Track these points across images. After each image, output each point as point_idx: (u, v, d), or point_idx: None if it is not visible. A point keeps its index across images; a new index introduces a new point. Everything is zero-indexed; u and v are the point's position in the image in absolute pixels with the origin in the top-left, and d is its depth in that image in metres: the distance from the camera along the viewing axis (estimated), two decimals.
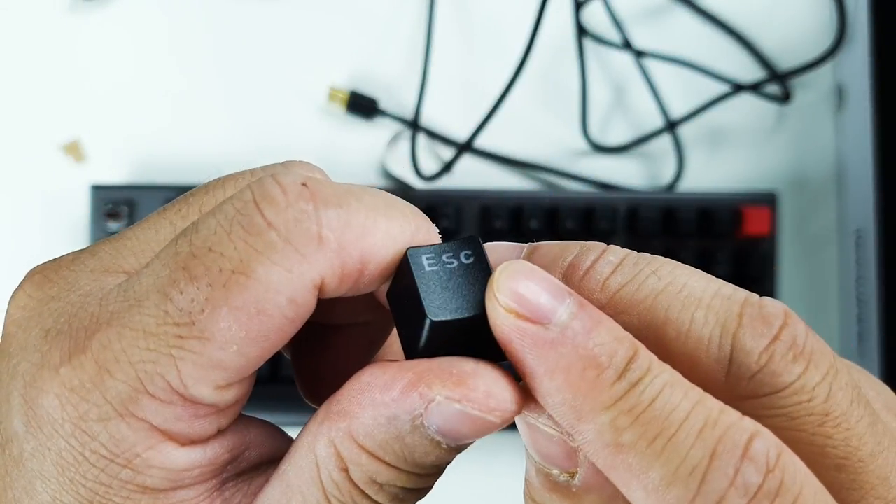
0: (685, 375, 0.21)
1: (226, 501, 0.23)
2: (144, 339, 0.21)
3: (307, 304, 0.21)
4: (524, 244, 0.24)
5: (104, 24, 0.66)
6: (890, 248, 0.60)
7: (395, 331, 0.25)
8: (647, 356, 0.21)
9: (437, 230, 0.24)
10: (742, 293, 0.22)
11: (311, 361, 0.28)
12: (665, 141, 0.67)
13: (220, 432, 0.23)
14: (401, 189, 0.63)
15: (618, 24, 0.66)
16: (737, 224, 0.61)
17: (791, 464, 0.20)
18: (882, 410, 0.23)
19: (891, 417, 0.23)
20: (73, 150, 0.65)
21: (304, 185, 0.21)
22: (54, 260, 0.24)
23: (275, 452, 0.24)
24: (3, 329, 0.23)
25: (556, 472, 0.23)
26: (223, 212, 0.21)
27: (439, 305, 0.22)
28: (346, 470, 0.22)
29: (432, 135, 0.66)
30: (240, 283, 0.20)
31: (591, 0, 0.66)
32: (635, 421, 0.20)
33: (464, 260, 0.23)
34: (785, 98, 0.66)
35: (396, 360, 0.23)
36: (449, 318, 0.22)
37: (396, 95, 0.66)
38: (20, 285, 0.24)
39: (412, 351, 0.23)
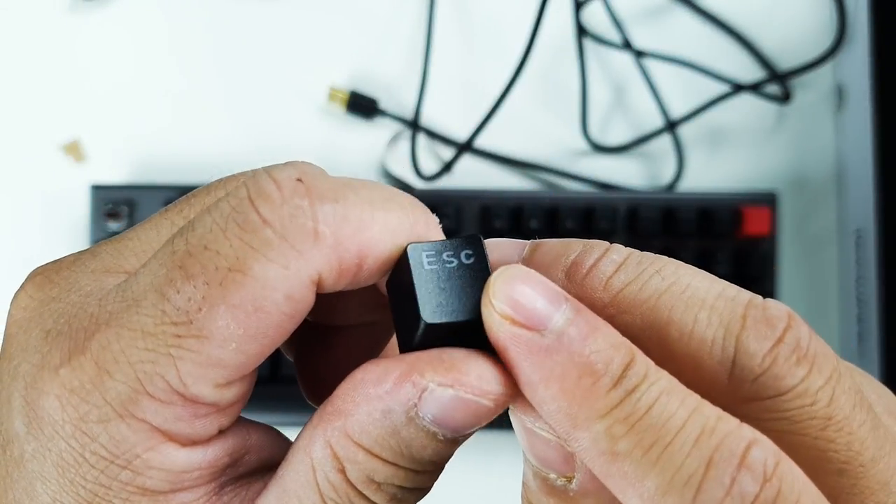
0: (687, 377, 0.21)
1: None
2: (143, 340, 0.21)
3: (305, 300, 0.21)
4: (527, 241, 0.24)
5: (104, 24, 0.66)
6: (890, 248, 0.60)
7: None
8: (643, 362, 0.21)
9: (438, 220, 0.24)
10: (746, 295, 0.22)
11: (314, 363, 0.27)
12: (665, 141, 0.67)
13: (221, 434, 0.23)
14: (401, 188, 0.63)
15: (618, 24, 0.66)
16: (737, 224, 0.61)
17: (789, 472, 0.19)
18: (883, 414, 0.23)
19: (892, 421, 0.23)
20: (73, 150, 0.65)
21: (299, 180, 0.21)
22: (55, 261, 0.24)
23: (275, 457, 0.24)
24: (5, 330, 0.23)
25: (553, 476, 0.23)
26: (219, 209, 0.21)
27: (435, 307, 0.22)
28: (342, 470, 0.22)
29: (432, 135, 0.66)
30: (236, 281, 0.20)
31: (591, 0, 0.66)
32: (631, 429, 0.20)
33: (464, 260, 0.23)
34: (785, 98, 0.66)
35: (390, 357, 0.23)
36: (444, 320, 0.22)
37: (396, 95, 0.66)
38: (21, 286, 0.24)
39: (406, 346, 0.23)
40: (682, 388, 0.20)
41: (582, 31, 0.66)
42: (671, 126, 0.66)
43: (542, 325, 0.21)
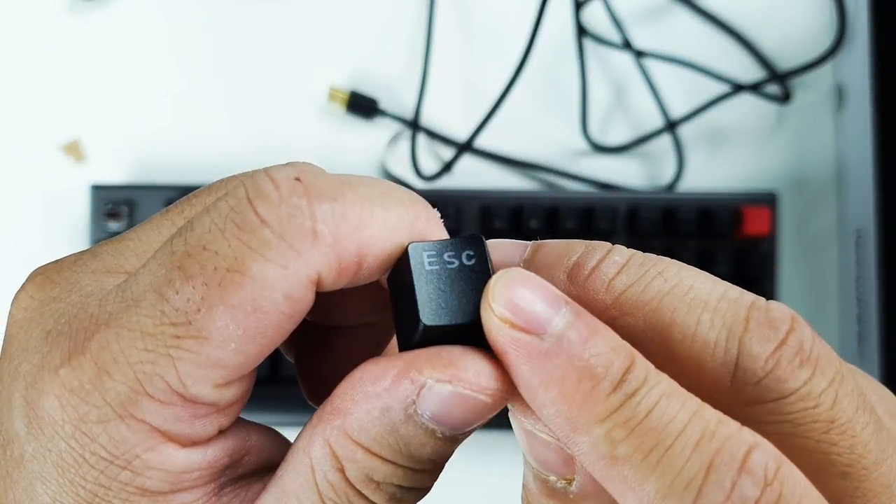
0: (690, 379, 0.21)
1: None
2: (142, 340, 0.21)
3: (304, 300, 0.21)
4: (528, 242, 0.24)
5: (104, 24, 0.66)
6: (890, 248, 0.60)
7: None
8: (644, 366, 0.20)
9: (439, 215, 0.24)
10: (749, 296, 0.22)
11: (315, 364, 0.27)
12: (665, 141, 0.67)
13: (221, 435, 0.23)
14: None
15: (618, 24, 0.66)
16: (737, 224, 0.61)
17: (790, 476, 0.19)
18: (885, 416, 0.23)
19: (893, 423, 0.23)
20: (73, 150, 0.65)
21: (297, 179, 0.21)
22: (56, 261, 0.24)
23: (275, 459, 0.24)
24: (6, 330, 0.23)
25: (553, 478, 0.23)
26: (217, 210, 0.21)
27: (435, 309, 0.22)
28: (341, 469, 0.22)
29: (432, 135, 0.66)
30: (235, 282, 0.20)
31: (591, 0, 0.66)
32: (631, 433, 0.20)
33: (465, 261, 0.22)
34: (785, 98, 0.66)
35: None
36: (443, 323, 0.22)
37: (396, 95, 0.66)
38: (22, 286, 0.24)
39: (406, 346, 0.23)
40: (683, 391, 0.20)
41: (582, 31, 0.66)
42: (671, 126, 0.66)
43: (541, 328, 0.21)
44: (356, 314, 0.26)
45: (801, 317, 0.21)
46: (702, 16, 0.67)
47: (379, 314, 0.26)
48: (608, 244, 0.23)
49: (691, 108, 0.66)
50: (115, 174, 0.65)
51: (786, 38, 0.67)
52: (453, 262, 0.22)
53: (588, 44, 0.67)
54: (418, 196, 0.24)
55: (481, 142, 0.65)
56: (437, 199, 0.61)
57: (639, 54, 0.66)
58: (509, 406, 0.23)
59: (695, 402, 0.20)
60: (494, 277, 0.22)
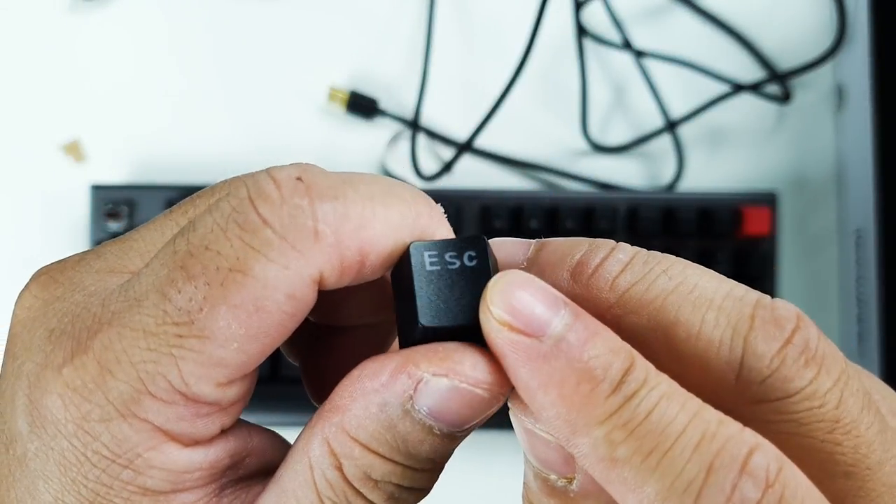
0: (694, 378, 0.21)
1: None
2: (145, 339, 0.21)
3: (306, 299, 0.21)
4: (532, 240, 0.24)
5: (104, 24, 0.66)
6: (890, 248, 0.60)
7: None
8: (643, 367, 0.20)
9: (442, 210, 0.24)
10: (754, 294, 0.22)
11: (319, 365, 0.27)
12: (665, 141, 0.67)
13: (223, 436, 0.23)
14: None
15: (618, 24, 0.66)
16: (737, 224, 0.61)
17: (792, 478, 0.19)
18: (888, 415, 0.23)
19: None
20: (73, 150, 0.65)
21: (298, 179, 0.21)
22: (60, 261, 0.24)
23: (276, 461, 0.24)
24: (9, 329, 0.23)
25: (553, 477, 0.23)
26: (219, 209, 0.21)
27: (434, 311, 0.22)
28: (339, 468, 0.22)
29: (432, 135, 0.66)
30: (237, 282, 0.20)
31: (591, 0, 0.66)
32: (630, 435, 0.20)
33: (467, 262, 0.22)
34: (785, 98, 0.66)
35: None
36: (441, 325, 0.22)
37: (396, 95, 0.66)
38: (26, 286, 0.24)
39: (406, 345, 0.23)
40: (683, 392, 0.20)
41: (582, 31, 0.66)
42: (671, 126, 0.66)
43: (540, 331, 0.21)
44: (359, 314, 0.26)
45: (806, 315, 0.21)
46: (702, 16, 0.67)
47: (382, 313, 0.26)
48: (612, 242, 0.23)
49: (691, 108, 0.66)
50: (115, 174, 0.65)
51: (786, 38, 0.67)
52: (454, 263, 0.22)
53: (588, 44, 0.67)
54: (421, 192, 0.24)
55: (481, 142, 0.65)
56: (437, 199, 0.61)
57: (639, 54, 0.66)
58: (509, 405, 0.23)
59: (695, 402, 0.20)
60: (493, 280, 0.21)
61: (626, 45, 0.66)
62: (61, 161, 0.65)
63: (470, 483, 0.61)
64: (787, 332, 0.21)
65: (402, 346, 0.23)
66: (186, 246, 0.21)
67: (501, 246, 0.24)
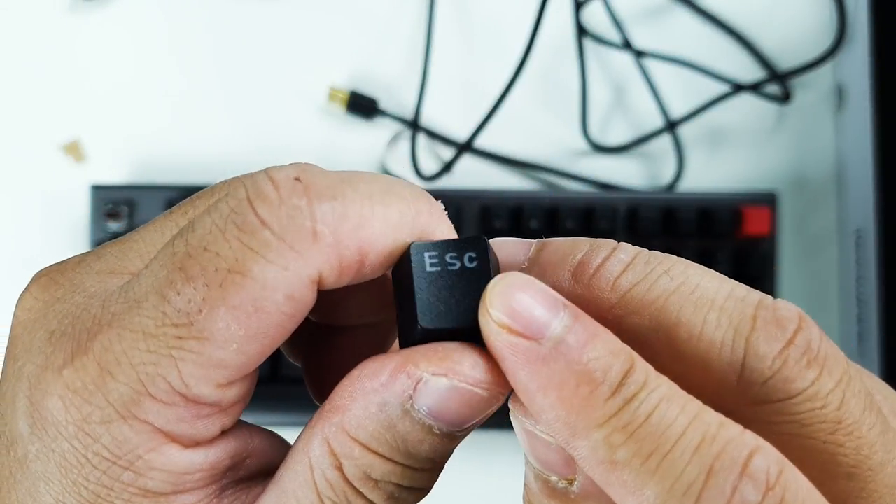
0: (696, 378, 0.21)
1: None
2: (144, 341, 0.21)
3: (306, 299, 0.21)
4: (533, 240, 0.24)
5: (104, 24, 0.66)
6: (890, 248, 0.60)
7: None
8: (643, 369, 0.20)
9: (443, 207, 0.24)
10: (756, 295, 0.22)
11: (322, 365, 0.27)
12: (665, 141, 0.67)
13: (223, 437, 0.23)
14: None
15: (618, 24, 0.66)
16: (737, 224, 0.61)
17: (793, 481, 0.19)
18: (890, 416, 0.23)
19: None
20: (73, 150, 0.65)
21: (297, 179, 0.21)
22: (60, 262, 0.24)
23: (276, 462, 0.23)
24: (10, 331, 0.23)
25: (554, 478, 0.23)
26: (218, 210, 0.21)
27: (434, 312, 0.22)
28: (339, 467, 0.22)
29: (432, 135, 0.66)
30: (236, 283, 0.20)
31: (591, 0, 0.66)
32: (630, 438, 0.19)
33: (467, 263, 0.22)
34: (785, 98, 0.66)
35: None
36: (441, 326, 0.22)
37: (396, 95, 0.66)
38: (27, 288, 0.24)
39: (405, 345, 0.23)
40: (683, 394, 0.20)
41: (582, 31, 0.66)
42: (671, 126, 0.66)
43: (539, 333, 0.20)
44: (360, 313, 0.26)
45: (808, 316, 0.21)
46: (702, 16, 0.67)
47: (383, 313, 0.26)
48: (613, 242, 0.23)
49: (691, 108, 0.66)
50: (115, 174, 0.65)
51: (786, 38, 0.67)
52: (455, 264, 0.22)
53: (588, 44, 0.67)
54: (421, 190, 0.23)
55: (481, 142, 0.65)
56: (437, 199, 0.61)
57: (639, 54, 0.66)
58: (510, 406, 0.23)
59: (695, 405, 0.20)
60: (492, 282, 0.21)
61: (626, 45, 0.66)
62: (61, 161, 0.65)
63: (470, 483, 0.61)
64: (789, 332, 0.21)
65: (402, 346, 0.23)
66: (185, 247, 0.21)
67: (502, 246, 0.24)
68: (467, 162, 0.65)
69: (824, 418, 0.21)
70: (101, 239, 0.60)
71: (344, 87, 0.65)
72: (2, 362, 0.23)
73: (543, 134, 0.67)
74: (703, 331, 0.21)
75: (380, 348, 0.27)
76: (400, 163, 0.66)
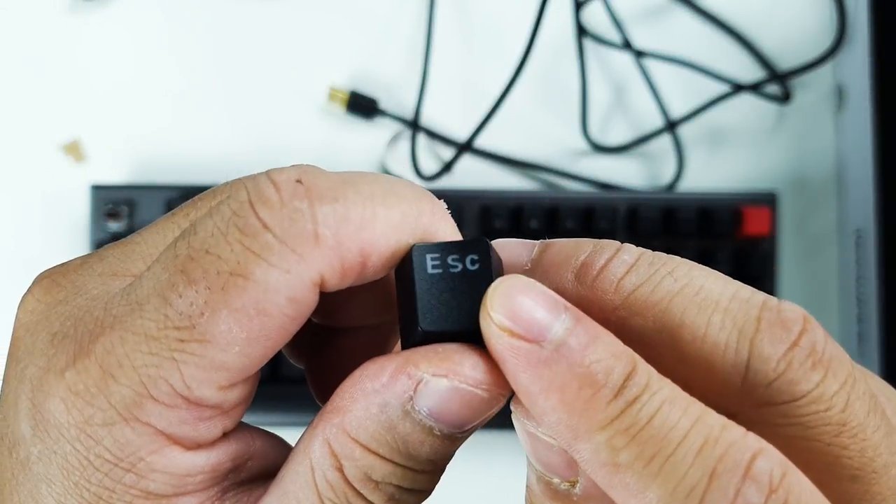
0: (700, 380, 0.21)
1: None
2: (146, 344, 0.21)
3: (307, 302, 0.21)
4: (536, 241, 0.24)
5: (104, 24, 0.66)
6: (890, 248, 0.60)
7: None
8: (645, 371, 0.20)
9: (445, 205, 0.24)
10: (760, 296, 0.21)
11: (324, 367, 0.27)
12: (665, 141, 0.67)
13: (225, 439, 0.23)
14: None
15: (618, 24, 0.66)
16: (737, 224, 0.61)
17: (796, 483, 0.19)
18: (893, 417, 0.22)
19: None
20: (73, 150, 0.65)
21: (298, 181, 0.21)
22: (62, 264, 0.24)
23: (278, 464, 0.23)
24: (12, 333, 0.23)
25: (556, 480, 0.23)
26: (220, 213, 0.21)
27: (435, 315, 0.22)
28: (340, 468, 0.22)
29: (432, 135, 0.66)
30: (238, 286, 0.20)
31: (591, 0, 0.66)
32: (632, 440, 0.19)
33: (469, 266, 0.22)
34: (785, 98, 0.66)
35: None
36: (441, 329, 0.22)
37: (396, 95, 0.66)
38: (29, 290, 0.24)
39: (407, 346, 0.23)
40: (686, 396, 0.20)
41: (582, 31, 0.66)
42: (671, 126, 0.66)
43: (541, 335, 0.20)
44: (363, 315, 0.26)
45: (813, 317, 0.21)
46: (702, 16, 0.67)
47: (386, 314, 0.26)
48: (617, 243, 0.23)
49: (691, 108, 0.66)
50: (115, 174, 0.65)
51: (786, 38, 0.67)
52: (457, 266, 0.22)
53: (588, 44, 0.67)
54: (424, 190, 0.23)
55: (481, 142, 0.65)
56: (438, 198, 0.61)
57: (639, 54, 0.66)
58: (512, 408, 0.23)
59: (698, 407, 0.20)
60: (494, 285, 0.21)
61: (626, 45, 0.66)
62: (61, 161, 0.65)
63: (470, 483, 0.61)
64: (793, 334, 0.21)
65: (404, 347, 0.23)
66: (187, 250, 0.21)
67: (505, 247, 0.24)
68: (467, 162, 0.65)
69: (829, 420, 0.20)
70: (101, 239, 0.60)
71: (344, 87, 0.65)
72: (3, 364, 0.23)
73: (543, 134, 0.67)
74: (707, 332, 0.21)
75: (382, 350, 0.27)
76: (400, 163, 0.66)
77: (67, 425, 0.21)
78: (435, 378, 0.21)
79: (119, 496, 0.21)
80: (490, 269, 0.22)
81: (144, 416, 0.21)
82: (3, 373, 0.23)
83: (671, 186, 0.66)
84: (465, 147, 0.64)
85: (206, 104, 0.66)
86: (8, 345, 0.23)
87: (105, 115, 0.65)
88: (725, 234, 0.62)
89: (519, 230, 0.61)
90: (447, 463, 0.23)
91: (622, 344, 0.21)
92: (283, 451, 0.24)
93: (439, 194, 0.25)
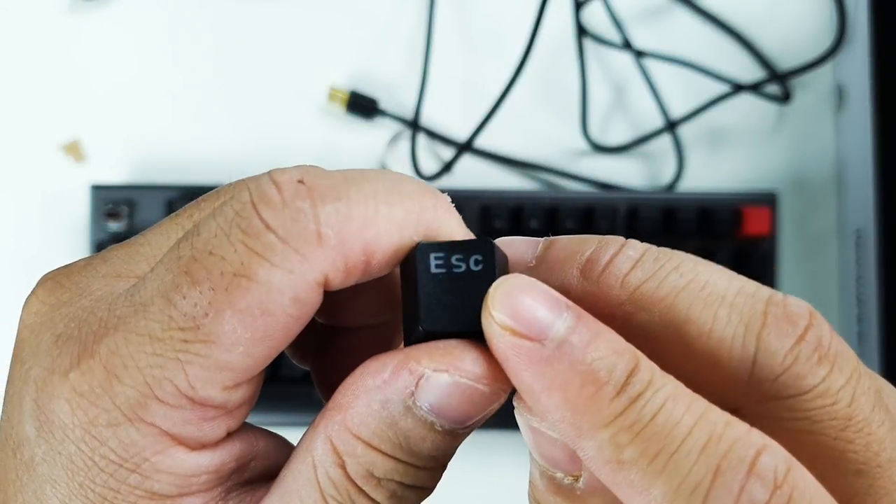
0: (706, 375, 0.21)
1: None
2: (151, 344, 0.21)
3: (311, 301, 0.21)
4: (541, 238, 0.24)
5: (104, 24, 0.66)
6: (890, 248, 0.60)
7: None
8: (648, 368, 0.20)
9: (449, 199, 0.24)
10: (766, 291, 0.21)
11: (328, 365, 0.27)
12: (665, 141, 0.67)
13: (229, 439, 0.23)
14: None
15: (618, 24, 0.66)
16: (737, 224, 0.61)
17: (801, 479, 0.19)
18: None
19: None
20: (73, 150, 0.65)
21: (300, 181, 0.21)
22: (66, 266, 0.24)
23: (281, 464, 0.24)
24: (17, 334, 0.23)
25: (560, 475, 0.23)
26: (223, 214, 0.21)
27: (437, 315, 0.22)
28: (342, 465, 0.22)
29: (432, 135, 0.66)
30: (242, 286, 0.20)
31: (591, 0, 0.66)
32: (636, 437, 0.19)
33: (473, 266, 0.22)
34: (785, 98, 0.66)
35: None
36: (443, 329, 0.22)
37: (396, 95, 0.66)
38: (33, 291, 0.24)
39: (409, 344, 0.23)
40: (689, 393, 0.20)
41: (582, 31, 0.66)
42: (671, 126, 0.66)
43: (542, 334, 0.20)
44: (367, 314, 0.26)
45: (818, 312, 0.21)
46: (702, 16, 0.67)
47: (390, 312, 0.26)
48: (622, 238, 0.23)
49: (691, 108, 0.66)
50: (115, 174, 0.65)
51: (786, 38, 0.67)
52: (460, 266, 0.22)
53: (588, 44, 0.67)
54: (427, 185, 0.23)
55: (481, 142, 0.65)
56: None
57: (639, 54, 0.66)
58: (514, 403, 0.23)
59: (701, 403, 0.20)
60: (495, 284, 0.21)
61: (626, 45, 0.66)
62: (61, 161, 0.65)
63: (470, 483, 0.61)
64: (800, 328, 0.21)
65: (407, 346, 0.23)
66: (191, 251, 0.21)
67: (510, 244, 0.24)
68: (467, 162, 0.65)
69: (835, 415, 0.20)
70: (101, 239, 0.60)
71: (344, 87, 0.65)
72: (9, 365, 0.23)
73: (543, 134, 0.67)
74: (713, 327, 0.21)
75: (386, 348, 0.27)
76: (400, 163, 0.66)
77: (72, 426, 0.21)
78: (436, 373, 0.21)
79: (124, 497, 0.21)
80: (493, 270, 0.22)
81: (149, 416, 0.21)
82: (7, 374, 0.23)
83: (671, 186, 0.66)
84: (465, 147, 0.64)
85: (207, 104, 0.66)
86: (12, 346, 0.23)
87: (105, 115, 0.65)
88: (725, 234, 0.62)
89: (519, 230, 0.61)
90: (449, 460, 0.23)
91: (624, 341, 0.21)
92: (286, 451, 0.24)
93: (441, 191, 0.25)
